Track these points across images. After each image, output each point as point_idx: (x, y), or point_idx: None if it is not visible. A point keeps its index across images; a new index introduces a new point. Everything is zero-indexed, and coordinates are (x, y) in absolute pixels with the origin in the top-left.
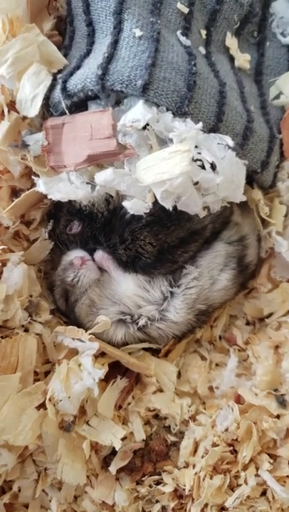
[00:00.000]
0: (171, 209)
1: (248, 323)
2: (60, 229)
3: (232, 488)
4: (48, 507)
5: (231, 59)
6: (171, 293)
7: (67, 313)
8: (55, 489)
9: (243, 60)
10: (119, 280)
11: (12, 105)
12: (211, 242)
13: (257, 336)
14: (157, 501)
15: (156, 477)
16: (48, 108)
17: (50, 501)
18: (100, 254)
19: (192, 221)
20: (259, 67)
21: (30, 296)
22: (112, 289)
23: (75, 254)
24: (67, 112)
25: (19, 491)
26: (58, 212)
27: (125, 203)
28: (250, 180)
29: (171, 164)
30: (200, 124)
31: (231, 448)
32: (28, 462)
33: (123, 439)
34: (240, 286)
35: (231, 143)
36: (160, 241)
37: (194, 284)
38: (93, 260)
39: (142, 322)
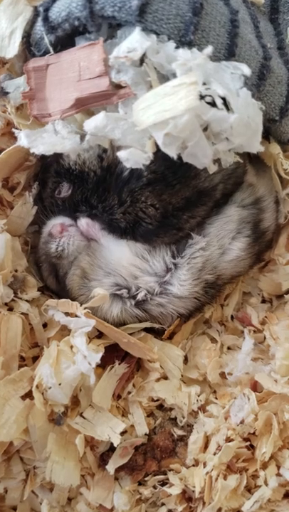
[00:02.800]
0: (175, 157)
1: (264, 301)
2: (47, 193)
3: (249, 489)
4: (38, 510)
5: None
6: (175, 264)
7: (60, 293)
8: (46, 490)
9: None
10: (111, 248)
11: None
12: (222, 206)
13: (275, 315)
14: (163, 504)
15: (161, 477)
16: (29, 48)
17: (40, 504)
18: (83, 222)
19: (200, 178)
20: (275, 3)
21: (15, 270)
22: (103, 257)
23: (53, 223)
24: (51, 49)
25: (5, 492)
26: (46, 174)
27: (120, 154)
28: (266, 133)
29: (174, 100)
30: (209, 48)
31: (248, 443)
32: (14, 460)
33: (123, 433)
34: (256, 257)
35: (248, 71)
36: (164, 202)
37: (200, 254)
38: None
39: (140, 296)
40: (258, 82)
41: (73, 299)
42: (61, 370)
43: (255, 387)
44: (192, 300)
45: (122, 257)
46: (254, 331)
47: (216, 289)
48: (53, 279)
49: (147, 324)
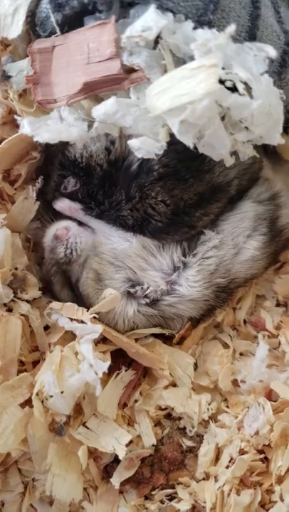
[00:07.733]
0: (192, 146)
1: (278, 304)
2: (50, 186)
3: (264, 505)
4: None
5: None
6: (184, 263)
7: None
8: (46, 504)
9: None
10: (113, 239)
11: None
12: (236, 202)
13: None
14: None
15: (170, 491)
16: (34, 28)
17: None
18: (60, 203)
19: (214, 173)
20: None
21: (15, 268)
22: (109, 250)
23: (56, 227)
24: (57, 29)
25: (2, 505)
26: (49, 166)
27: (132, 142)
28: (285, 125)
29: (193, 84)
30: (232, 27)
31: (263, 455)
32: (12, 472)
33: (128, 444)
34: (272, 258)
35: (273, 53)
36: (175, 198)
37: (213, 253)
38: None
39: (150, 291)
40: (279, 69)
41: (91, 305)
42: (64, 379)
43: (270, 395)
44: (202, 302)
45: (126, 248)
46: (268, 336)
47: (227, 293)
48: (67, 290)
49: (156, 330)
